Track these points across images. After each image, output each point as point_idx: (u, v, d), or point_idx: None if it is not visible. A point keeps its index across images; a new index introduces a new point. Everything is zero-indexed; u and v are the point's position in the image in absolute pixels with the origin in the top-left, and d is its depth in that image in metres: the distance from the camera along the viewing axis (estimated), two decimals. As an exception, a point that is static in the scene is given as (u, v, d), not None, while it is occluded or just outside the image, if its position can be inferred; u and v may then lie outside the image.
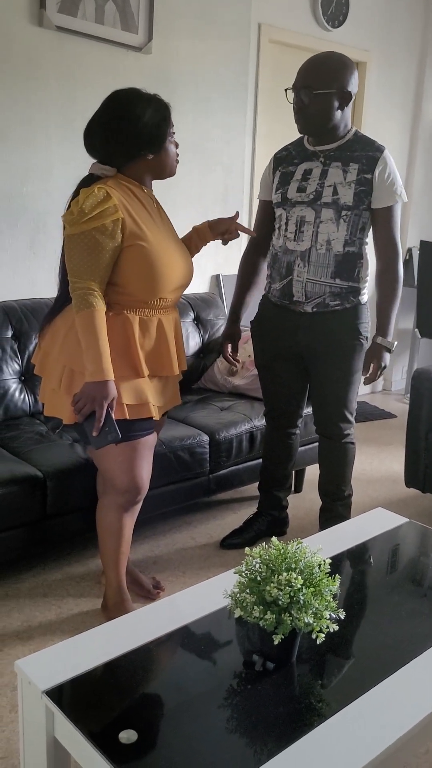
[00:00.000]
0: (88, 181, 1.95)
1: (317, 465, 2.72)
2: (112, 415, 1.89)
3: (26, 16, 2.82)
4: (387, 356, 2.41)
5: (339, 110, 2.28)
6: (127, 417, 1.96)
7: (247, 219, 3.89)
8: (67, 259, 1.90)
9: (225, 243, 2.25)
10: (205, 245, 2.27)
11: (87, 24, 2.96)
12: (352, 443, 2.62)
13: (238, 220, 2.23)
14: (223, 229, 2.22)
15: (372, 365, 2.40)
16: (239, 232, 2.23)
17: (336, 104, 2.26)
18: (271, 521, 2.82)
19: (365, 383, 2.46)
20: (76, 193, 1.93)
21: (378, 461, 3.79)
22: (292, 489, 3.12)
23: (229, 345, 2.60)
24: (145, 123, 1.91)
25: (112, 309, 1.94)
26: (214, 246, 3.74)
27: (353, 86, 2.28)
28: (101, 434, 1.88)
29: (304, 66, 2.27)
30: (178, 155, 2.03)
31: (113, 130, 1.92)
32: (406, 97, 4.61)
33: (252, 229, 2.64)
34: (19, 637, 2.17)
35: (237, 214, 2.24)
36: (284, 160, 2.45)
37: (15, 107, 2.87)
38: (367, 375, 2.42)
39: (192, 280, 2.15)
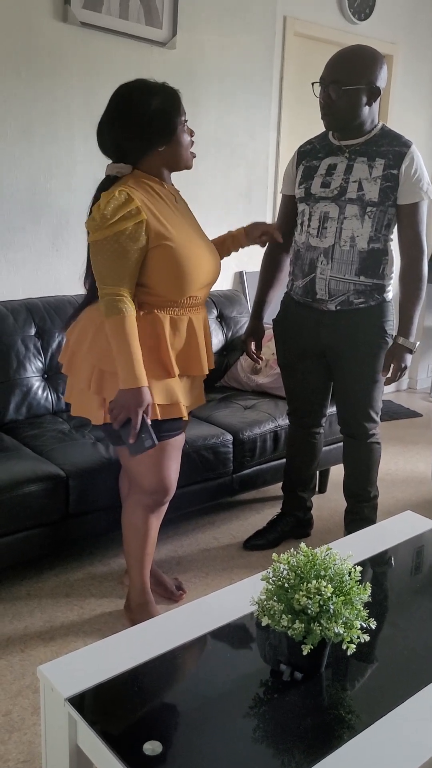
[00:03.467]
0: (107, 184, 1.90)
1: (342, 465, 2.68)
2: (148, 421, 1.86)
3: (51, 11, 2.80)
4: (408, 357, 2.35)
5: (367, 106, 2.23)
6: (159, 417, 1.93)
7: (271, 215, 3.85)
8: (93, 265, 1.86)
9: (263, 245, 2.24)
10: (236, 251, 2.24)
11: (111, 19, 2.93)
12: (378, 443, 2.58)
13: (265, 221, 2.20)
14: (258, 234, 2.18)
15: (393, 366, 2.35)
16: (276, 233, 2.19)
17: (364, 100, 2.21)
18: (295, 522, 2.78)
19: (385, 384, 2.42)
20: (96, 198, 1.89)
21: (404, 461, 3.73)
22: (317, 489, 3.08)
23: (253, 342, 2.56)
24: (152, 113, 1.85)
25: (142, 308, 1.91)
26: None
27: (382, 81, 2.22)
28: (138, 441, 1.86)
29: (332, 60, 2.21)
30: (193, 143, 1.96)
31: (121, 124, 1.87)
32: (433, 90, 4.53)
33: (275, 225, 2.59)
34: (41, 638, 2.16)
35: (274, 224, 2.20)
36: (308, 154, 2.40)
37: (39, 103, 2.86)
38: (388, 375, 2.37)
39: (219, 275, 2.11)
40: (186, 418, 2.03)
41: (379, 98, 2.25)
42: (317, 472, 2.86)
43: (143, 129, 1.86)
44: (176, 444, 2.05)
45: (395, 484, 3.43)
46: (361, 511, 2.63)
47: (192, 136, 1.96)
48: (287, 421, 2.78)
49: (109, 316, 1.82)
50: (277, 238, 2.20)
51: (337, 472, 2.97)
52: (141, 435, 1.85)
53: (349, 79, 2.17)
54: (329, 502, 3.14)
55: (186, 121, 1.94)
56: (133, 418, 1.83)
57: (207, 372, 2.09)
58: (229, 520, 2.96)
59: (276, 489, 3.01)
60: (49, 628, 2.21)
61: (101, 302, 1.85)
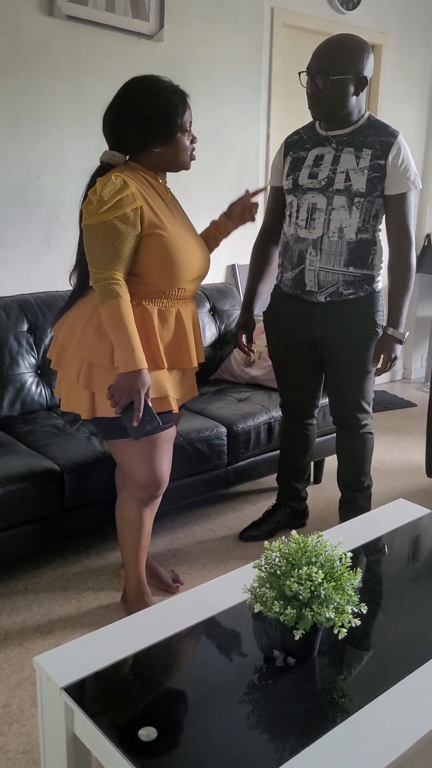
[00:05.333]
0: (102, 171, 1.91)
1: (336, 455, 2.69)
2: (150, 403, 1.87)
3: (36, 5, 2.79)
4: (398, 347, 2.35)
5: (354, 95, 2.22)
6: None
7: (261, 207, 3.84)
8: (87, 249, 1.86)
9: (253, 220, 2.20)
10: (225, 237, 2.23)
11: (98, 12, 2.93)
12: (370, 433, 2.59)
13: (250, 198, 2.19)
14: (239, 211, 2.18)
15: (382, 356, 2.35)
16: (255, 204, 2.16)
17: (351, 89, 2.20)
18: (290, 513, 2.79)
19: (375, 375, 2.42)
20: (92, 183, 1.89)
21: (398, 451, 3.74)
22: (311, 480, 3.09)
23: (244, 335, 2.56)
24: (154, 113, 1.86)
25: (131, 299, 1.92)
26: (229, 235, 3.71)
27: (369, 70, 2.22)
28: (141, 424, 1.86)
29: (319, 49, 2.21)
30: (194, 149, 1.97)
31: (122, 118, 1.88)
32: (422, 81, 4.52)
33: (263, 217, 2.60)
34: (39, 631, 2.17)
35: (246, 191, 2.19)
36: (295, 145, 2.40)
37: (27, 98, 2.85)
38: (378, 366, 2.37)
39: (209, 270, 2.11)
40: (175, 410, 2.03)
41: (366, 88, 2.25)
42: (311, 462, 2.87)
43: (142, 127, 1.87)
44: (167, 437, 2.05)
45: (390, 474, 3.44)
46: (355, 500, 2.65)
47: (194, 142, 1.96)
48: (281, 412, 2.79)
49: (105, 301, 1.82)
50: (254, 211, 2.18)
51: (331, 463, 2.98)
52: (144, 417, 1.85)
53: (337, 69, 2.16)
54: (324, 492, 3.15)
55: (190, 125, 1.93)
56: (136, 401, 1.83)
57: (196, 365, 2.09)
58: (224, 512, 2.98)
59: (271, 480, 3.02)
60: (47, 622, 2.22)
61: (95, 288, 1.84)
